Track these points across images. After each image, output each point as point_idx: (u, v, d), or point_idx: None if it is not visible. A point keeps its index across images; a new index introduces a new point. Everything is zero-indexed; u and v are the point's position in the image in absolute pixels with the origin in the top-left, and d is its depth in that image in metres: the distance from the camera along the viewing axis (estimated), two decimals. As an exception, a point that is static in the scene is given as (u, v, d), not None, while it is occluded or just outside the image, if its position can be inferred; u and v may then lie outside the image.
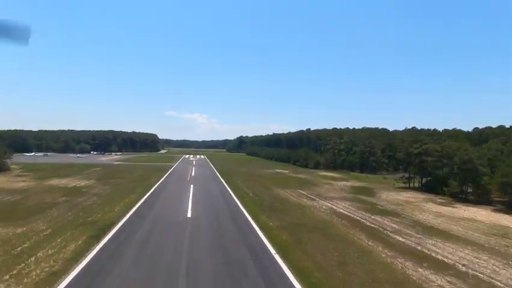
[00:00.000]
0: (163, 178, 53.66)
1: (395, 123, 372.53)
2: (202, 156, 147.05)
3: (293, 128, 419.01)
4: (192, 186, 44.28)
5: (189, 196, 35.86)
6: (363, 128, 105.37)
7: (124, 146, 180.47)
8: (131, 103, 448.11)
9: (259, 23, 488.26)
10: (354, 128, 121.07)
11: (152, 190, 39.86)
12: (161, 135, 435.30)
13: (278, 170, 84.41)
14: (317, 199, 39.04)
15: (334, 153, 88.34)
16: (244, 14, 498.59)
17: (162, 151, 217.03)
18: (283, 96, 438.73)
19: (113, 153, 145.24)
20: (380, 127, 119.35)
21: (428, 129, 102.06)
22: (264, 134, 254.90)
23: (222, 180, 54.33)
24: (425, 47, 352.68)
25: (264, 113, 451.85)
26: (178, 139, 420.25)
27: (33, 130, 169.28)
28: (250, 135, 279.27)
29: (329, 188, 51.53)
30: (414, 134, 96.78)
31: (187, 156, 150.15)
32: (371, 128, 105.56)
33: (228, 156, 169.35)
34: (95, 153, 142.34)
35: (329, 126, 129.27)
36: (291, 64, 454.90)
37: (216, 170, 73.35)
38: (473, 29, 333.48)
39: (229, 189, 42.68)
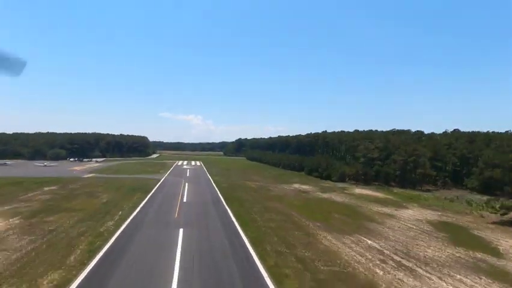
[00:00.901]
0: (136, 211, 34.26)
1: (407, 125, 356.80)
2: (198, 163, 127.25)
3: (288, 130, 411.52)
4: (179, 235, 24.98)
5: (172, 272, 16.84)
6: (393, 130, 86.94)
7: (109, 151, 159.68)
8: (123, 104, 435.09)
9: (257, 23, 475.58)
10: (378, 130, 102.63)
11: (103, 251, 20.62)
12: (155, 138, 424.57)
13: (297, 185, 65.37)
14: (422, 274, 20.02)
15: (366, 162, 69.68)
16: (243, 14, 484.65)
17: (153, 155, 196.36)
18: (278, 97, 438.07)
19: (93, 160, 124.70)
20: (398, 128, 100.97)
21: (474, 132, 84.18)
22: (265, 137, 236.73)
23: (229, 212, 35.06)
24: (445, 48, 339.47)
25: (260, 114, 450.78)
26: (173, 141, 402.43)
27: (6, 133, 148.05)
28: (244, 136, 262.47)
29: (401, 227, 32.65)
30: (464, 138, 78.77)
31: (180, 162, 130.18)
32: (402, 131, 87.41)
33: (228, 162, 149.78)
34: (71, 159, 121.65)
35: (333, 128, 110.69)
36: (287, 65, 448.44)
37: (217, 189, 53.97)
38: None
39: (246, 243, 23.54)
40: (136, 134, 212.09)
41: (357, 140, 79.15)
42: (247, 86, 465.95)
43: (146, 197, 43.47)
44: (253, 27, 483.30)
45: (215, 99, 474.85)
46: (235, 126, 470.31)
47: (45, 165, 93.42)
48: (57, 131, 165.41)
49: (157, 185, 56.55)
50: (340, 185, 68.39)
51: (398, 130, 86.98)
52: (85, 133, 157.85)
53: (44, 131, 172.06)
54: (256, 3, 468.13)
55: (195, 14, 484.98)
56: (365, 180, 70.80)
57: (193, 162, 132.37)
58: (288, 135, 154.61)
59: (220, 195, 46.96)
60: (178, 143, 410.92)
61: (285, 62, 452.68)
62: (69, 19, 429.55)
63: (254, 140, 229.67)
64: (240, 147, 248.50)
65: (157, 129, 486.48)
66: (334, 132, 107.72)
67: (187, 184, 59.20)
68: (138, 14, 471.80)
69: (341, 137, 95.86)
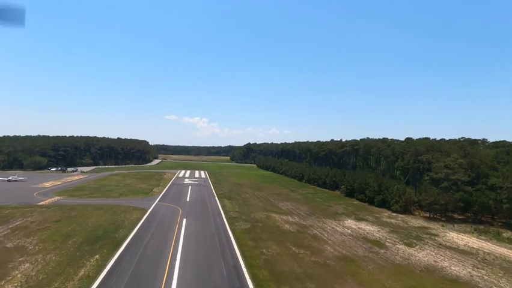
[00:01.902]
0: None
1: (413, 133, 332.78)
2: (202, 175, 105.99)
3: (295, 134, 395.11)
4: None
5: None
6: (465, 139, 64.26)
7: (103, 157, 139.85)
8: (128, 106, 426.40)
9: (258, 26, 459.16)
10: (446, 139, 79.66)
11: None
12: (160, 141, 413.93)
13: (352, 224, 43.21)
14: None
15: (445, 185, 47.04)
16: (246, 18, 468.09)
17: (154, 162, 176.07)
18: (283, 100, 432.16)
19: (78, 170, 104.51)
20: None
21: None
22: (276, 142, 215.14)
23: None
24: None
25: (265, 117, 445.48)
26: (178, 144, 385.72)
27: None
28: (249, 139, 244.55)
29: None
30: None
31: (182, 173, 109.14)
32: (476, 140, 64.44)
33: (238, 173, 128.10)
34: (53, 169, 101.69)
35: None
36: (292, 68, 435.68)
37: (233, 240, 32.37)
38: None
39: None
40: (136, 138, 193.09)
41: (423, 152, 56.84)
42: (252, 88, 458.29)
43: (104, 268, 22.23)
44: (261, 31, 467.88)
45: (220, 102, 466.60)
46: (240, 130, 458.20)
47: (9, 180, 73.34)
48: (55, 134, 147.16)
49: (138, 226, 35.30)
50: (413, 221, 46.14)
51: (470, 139, 64.10)
52: (73, 136, 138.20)
53: (34, 133, 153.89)
54: (256, 5, 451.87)
55: (200, 17, 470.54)
56: (442, 212, 48.41)
57: (196, 174, 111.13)
58: (308, 141, 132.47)
59: (242, 262, 25.38)
60: (183, 146, 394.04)
61: (288, 66, 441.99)
62: (71, 19, 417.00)
63: (265, 145, 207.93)
64: (249, 152, 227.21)
65: (162, 132, 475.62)
66: (385, 139, 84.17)
67: (184, 223, 37.78)
68: (143, 16, 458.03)
69: (394, 146, 73.16)
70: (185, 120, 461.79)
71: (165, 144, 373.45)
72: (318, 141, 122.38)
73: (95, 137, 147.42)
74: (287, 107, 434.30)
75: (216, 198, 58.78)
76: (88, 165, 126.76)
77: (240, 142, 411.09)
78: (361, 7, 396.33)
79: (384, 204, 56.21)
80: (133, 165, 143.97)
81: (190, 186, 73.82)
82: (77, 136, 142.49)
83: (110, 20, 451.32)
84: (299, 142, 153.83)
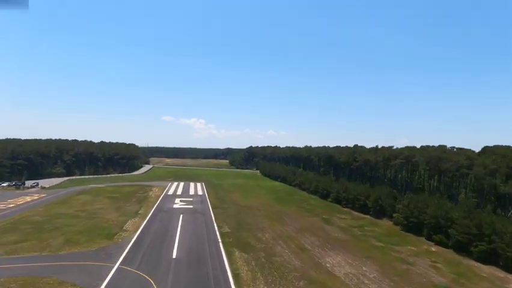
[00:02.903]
0: None
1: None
2: (199, 191, 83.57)
3: (291, 136, 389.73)
4: None
5: None
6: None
7: (80, 165, 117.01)
8: (125, 110, 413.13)
9: (257, 26, 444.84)
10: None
11: None
12: (157, 143, 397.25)
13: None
14: None
15: None
16: (243, 20, 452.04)
17: (143, 169, 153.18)
18: (281, 101, 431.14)
19: (39, 186, 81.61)
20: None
21: None
22: (279, 145, 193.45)
23: None
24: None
25: (261, 118, 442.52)
26: (175, 146, 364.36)
27: None
28: (246, 141, 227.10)
29: None
30: None
31: (173, 188, 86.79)
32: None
33: (243, 184, 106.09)
34: (4, 184, 78.82)
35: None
36: (290, 69, 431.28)
37: None
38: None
39: None
40: (123, 142, 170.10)
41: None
42: (249, 89, 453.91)
43: None
44: (258, 31, 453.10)
45: (217, 103, 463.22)
46: (237, 131, 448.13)
47: None
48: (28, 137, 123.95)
49: None
50: None
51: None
52: (41, 140, 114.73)
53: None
54: (254, 7, 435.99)
55: (195, 18, 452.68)
56: None
57: (191, 189, 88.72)
58: (325, 146, 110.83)
59: None
60: (179, 148, 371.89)
61: (285, 67, 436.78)
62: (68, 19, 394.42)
63: (270, 149, 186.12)
64: (250, 156, 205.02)
65: (158, 133, 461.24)
66: (454, 149, 62.40)
67: None
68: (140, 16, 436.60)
69: (457, 157, 51.69)
70: (182, 121, 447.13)
71: (161, 146, 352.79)
72: (339, 147, 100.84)
73: (71, 140, 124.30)
74: (283, 108, 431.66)
75: (221, 246, 36.82)
76: (60, 176, 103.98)
77: (239, 144, 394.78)
78: (362, 7, 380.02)
79: (491, 259, 34.85)
80: (117, 175, 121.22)
81: (181, 216, 51.54)
82: (47, 140, 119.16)
83: (105, 21, 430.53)
84: (309, 147, 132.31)
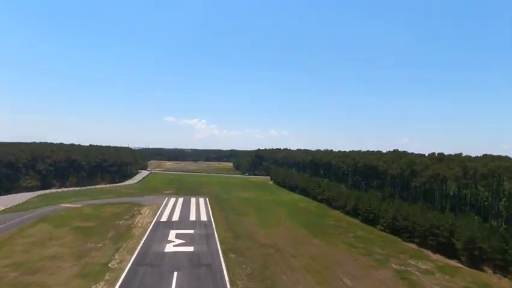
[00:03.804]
0: None
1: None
2: (202, 217, 62.34)
3: (293, 135, 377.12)
4: None
5: None
6: None
7: (60, 175, 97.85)
8: (128, 110, 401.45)
9: (258, 26, 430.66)
10: None
11: None
12: (158, 144, 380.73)
13: None
14: None
15: None
16: (244, 21, 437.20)
17: (137, 177, 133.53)
18: (283, 101, 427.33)
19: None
20: None
21: None
22: (290, 148, 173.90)
23: None
24: None
25: (263, 118, 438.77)
26: (176, 147, 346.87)
27: None
28: (246, 141, 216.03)
29: None
30: None
31: (167, 212, 65.94)
32: None
33: (257, 200, 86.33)
34: None
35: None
36: (292, 69, 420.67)
37: None
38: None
39: None
40: (124, 144, 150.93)
41: None
42: (250, 89, 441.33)
43: None
44: (257, 31, 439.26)
45: (219, 103, 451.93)
46: (239, 131, 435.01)
47: None
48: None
49: None
50: None
51: None
52: (9, 144, 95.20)
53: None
54: (255, 7, 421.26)
55: (195, 19, 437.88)
56: None
57: (192, 209, 68.47)
58: (360, 151, 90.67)
59: None
60: (181, 150, 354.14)
61: (286, 67, 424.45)
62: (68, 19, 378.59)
63: (280, 152, 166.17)
64: (259, 160, 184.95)
65: (160, 134, 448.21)
66: None
67: None
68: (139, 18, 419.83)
69: None
70: (184, 121, 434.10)
71: (162, 147, 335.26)
72: (380, 152, 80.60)
73: (49, 143, 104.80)
74: (284, 108, 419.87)
75: None
76: (34, 190, 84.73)
77: (242, 145, 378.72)
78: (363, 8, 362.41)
79: None
80: (104, 186, 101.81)
81: (174, 278, 31.55)
82: (20, 143, 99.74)
83: (106, 22, 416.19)
84: (329, 151, 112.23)
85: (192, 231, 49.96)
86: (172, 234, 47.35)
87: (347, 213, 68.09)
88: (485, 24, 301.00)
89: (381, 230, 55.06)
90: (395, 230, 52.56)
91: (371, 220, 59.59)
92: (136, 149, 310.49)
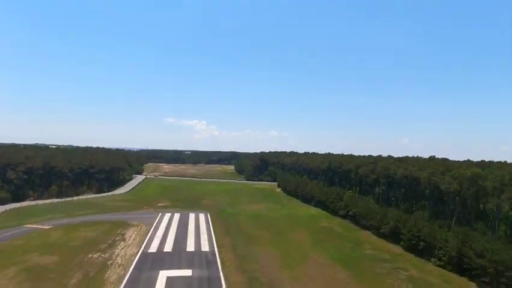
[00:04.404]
0: None
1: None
2: (204, 246, 48.14)
3: (293, 136, 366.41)
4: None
5: None
6: None
7: (38, 184, 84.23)
8: (126, 113, 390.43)
9: (258, 28, 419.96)
10: None
11: None
12: (158, 146, 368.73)
13: None
14: None
15: None
16: (244, 22, 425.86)
17: (130, 183, 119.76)
18: (283, 102, 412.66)
19: None
20: None
21: None
22: (298, 150, 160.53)
23: None
24: None
25: (263, 119, 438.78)
26: (176, 148, 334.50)
27: None
28: (246, 143, 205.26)
29: None
30: None
31: (156, 242, 51.35)
32: None
33: (267, 217, 72.73)
34: None
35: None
36: (292, 69, 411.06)
37: None
38: None
39: None
40: (123, 146, 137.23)
41: None
42: (250, 90, 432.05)
43: None
44: (258, 32, 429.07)
45: (219, 105, 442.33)
46: (239, 132, 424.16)
47: None
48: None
49: None
50: None
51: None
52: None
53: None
54: (255, 7, 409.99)
55: (195, 19, 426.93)
56: None
57: (190, 234, 54.28)
58: (391, 156, 76.90)
59: None
60: (180, 151, 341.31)
61: (287, 68, 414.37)
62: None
63: (287, 156, 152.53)
64: (263, 164, 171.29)
65: (160, 136, 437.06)
66: None
67: None
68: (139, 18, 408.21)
69: None
70: (184, 122, 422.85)
71: (161, 149, 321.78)
72: (413, 156, 66.90)
73: (22, 146, 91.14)
74: (285, 109, 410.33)
75: None
76: (3, 203, 71.05)
77: (242, 147, 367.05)
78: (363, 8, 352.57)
79: None
80: (90, 196, 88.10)
81: None
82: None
83: (107, 22, 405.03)
84: (350, 155, 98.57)
85: (189, 272, 36.21)
86: (162, 278, 33.69)
87: (382, 236, 54.63)
88: (485, 24, 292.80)
89: (435, 264, 41.65)
90: (460, 268, 39.07)
91: (419, 250, 46.09)
92: (135, 150, 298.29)
